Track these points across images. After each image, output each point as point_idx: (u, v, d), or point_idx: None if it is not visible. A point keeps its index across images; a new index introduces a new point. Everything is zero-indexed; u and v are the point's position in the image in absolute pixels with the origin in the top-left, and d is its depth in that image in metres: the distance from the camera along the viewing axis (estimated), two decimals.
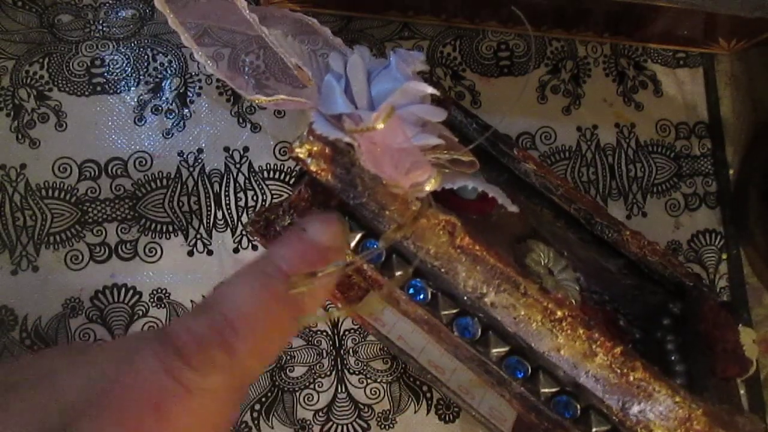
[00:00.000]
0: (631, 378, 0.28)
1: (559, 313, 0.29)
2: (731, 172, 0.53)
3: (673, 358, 0.36)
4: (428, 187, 0.29)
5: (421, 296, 0.32)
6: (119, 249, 0.47)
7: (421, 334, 0.34)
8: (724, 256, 0.52)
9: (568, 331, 0.28)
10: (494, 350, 0.32)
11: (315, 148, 0.31)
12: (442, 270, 0.30)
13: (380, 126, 0.27)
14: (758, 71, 0.54)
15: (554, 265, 0.38)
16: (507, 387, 0.33)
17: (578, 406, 0.31)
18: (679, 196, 0.52)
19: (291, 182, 0.49)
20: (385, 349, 0.47)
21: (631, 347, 0.29)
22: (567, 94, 0.52)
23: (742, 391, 0.47)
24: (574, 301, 0.37)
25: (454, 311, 0.32)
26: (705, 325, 0.35)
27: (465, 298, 0.30)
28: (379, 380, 0.48)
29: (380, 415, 0.47)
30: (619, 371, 0.28)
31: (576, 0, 0.47)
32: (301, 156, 0.31)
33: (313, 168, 0.31)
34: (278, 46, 0.32)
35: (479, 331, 0.32)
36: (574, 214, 0.38)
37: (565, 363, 0.29)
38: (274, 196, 0.49)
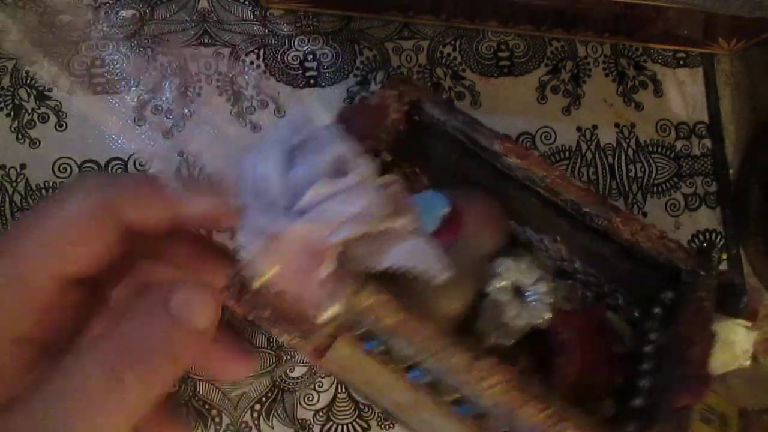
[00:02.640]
0: None
1: (492, 380, 0.30)
2: (731, 172, 0.53)
3: (645, 367, 0.35)
4: (326, 316, 0.26)
5: (374, 347, 0.33)
6: None
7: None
8: (724, 256, 0.52)
9: (502, 394, 0.30)
10: (445, 397, 0.32)
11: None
12: (384, 338, 0.31)
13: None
14: (758, 71, 0.54)
15: (527, 278, 0.38)
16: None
17: None
18: (679, 196, 0.52)
19: None
20: None
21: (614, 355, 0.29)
22: (567, 94, 0.52)
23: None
24: (552, 315, 0.38)
25: (406, 365, 0.32)
26: (683, 329, 0.34)
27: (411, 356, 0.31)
28: None
29: (380, 414, 0.47)
30: (551, 431, 0.30)
31: (576, 0, 0.47)
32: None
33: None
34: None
35: (430, 380, 0.32)
36: (561, 205, 0.38)
37: (503, 414, 0.31)
38: None
